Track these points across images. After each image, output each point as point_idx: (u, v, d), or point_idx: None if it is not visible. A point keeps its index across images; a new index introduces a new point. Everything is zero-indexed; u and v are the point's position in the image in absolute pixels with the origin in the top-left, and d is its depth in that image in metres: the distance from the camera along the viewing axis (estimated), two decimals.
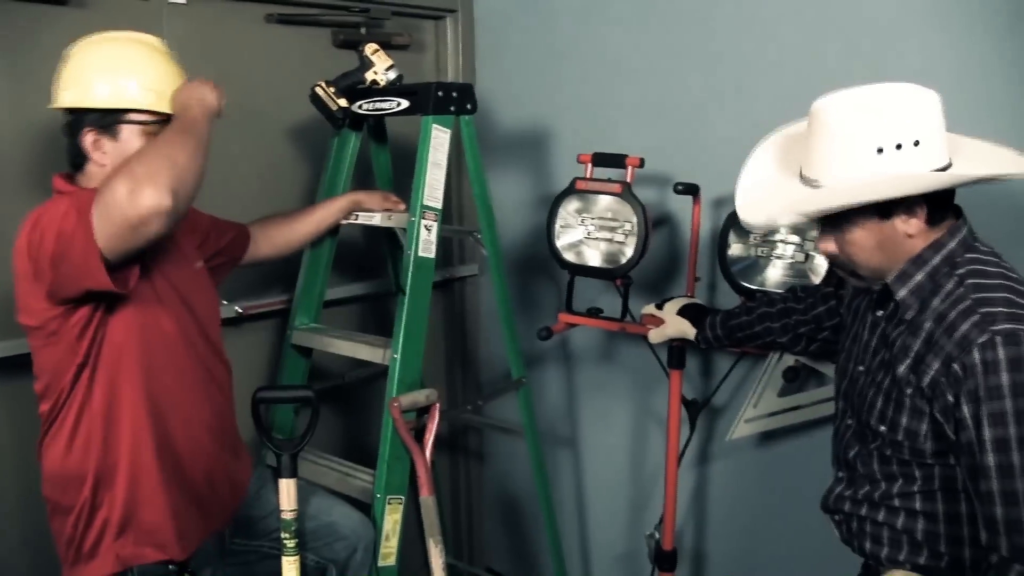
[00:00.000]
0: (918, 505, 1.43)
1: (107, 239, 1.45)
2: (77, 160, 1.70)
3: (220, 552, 1.89)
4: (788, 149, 1.54)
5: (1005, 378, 1.24)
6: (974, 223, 1.45)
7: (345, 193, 2.28)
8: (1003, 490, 1.24)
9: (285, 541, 1.86)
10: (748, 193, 1.54)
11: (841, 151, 1.37)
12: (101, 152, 1.67)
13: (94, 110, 1.64)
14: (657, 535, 2.36)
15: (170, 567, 1.71)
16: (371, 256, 2.67)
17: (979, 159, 1.40)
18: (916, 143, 1.33)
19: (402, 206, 2.22)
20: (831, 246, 1.46)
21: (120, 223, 1.44)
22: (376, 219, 2.22)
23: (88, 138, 1.66)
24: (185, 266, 1.83)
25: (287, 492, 1.86)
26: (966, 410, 1.27)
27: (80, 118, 1.66)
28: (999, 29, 1.88)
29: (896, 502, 1.46)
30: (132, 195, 1.43)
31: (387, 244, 2.52)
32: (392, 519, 2.12)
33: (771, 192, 1.50)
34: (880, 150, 1.34)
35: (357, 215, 2.24)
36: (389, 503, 2.10)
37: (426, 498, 2.13)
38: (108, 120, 1.66)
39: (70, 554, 1.69)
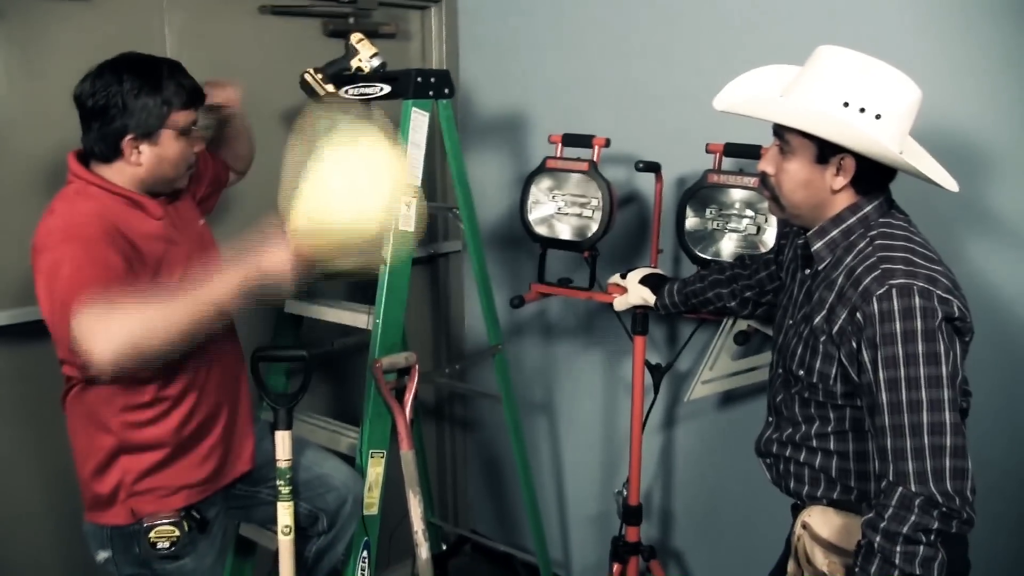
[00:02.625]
0: (832, 445, 1.60)
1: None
2: (107, 154, 1.74)
3: (224, 495, 2.00)
4: (783, 79, 1.67)
5: (897, 326, 1.40)
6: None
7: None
8: (892, 424, 1.40)
9: (280, 488, 2.00)
10: (725, 91, 1.70)
11: (817, 88, 1.51)
12: (138, 153, 1.74)
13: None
14: (624, 492, 2.51)
15: (180, 512, 1.83)
16: None
17: (922, 162, 1.55)
18: (878, 116, 1.47)
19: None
20: (770, 166, 1.60)
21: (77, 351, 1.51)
22: None
23: (128, 142, 1.72)
24: (192, 233, 1.91)
25: (283, 443, 2.00)
26: (866, 355, 1.44)
27: (114, 116, 1.71)
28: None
29: (814, 443, 1.62)
30: (88, 352, 1.47)
31: None
32: (375, 471, 2.29)
33: (745, 93, 1.66)
34: (846, 104, 1.48)
35: None
36: (372, 456, 2.27)
37: (406, 452, 2.31)
38: (151, 125, 1.73)
39: (88, 498, 1.84)
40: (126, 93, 1.71)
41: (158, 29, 2.36)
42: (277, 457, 2.00)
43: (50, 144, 2.15)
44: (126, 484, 1.80)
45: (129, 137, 1.72)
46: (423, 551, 2.32)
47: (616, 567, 2.50)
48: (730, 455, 2.59)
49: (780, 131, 1.56)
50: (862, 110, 1.48)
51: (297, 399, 2.04)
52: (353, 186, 1.57)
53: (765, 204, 2.09)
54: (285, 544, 2.01)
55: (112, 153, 1.74)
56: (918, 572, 1.36)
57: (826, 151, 1.52)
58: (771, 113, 1.55)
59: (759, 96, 1.64)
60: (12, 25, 2.11)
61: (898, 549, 1.36)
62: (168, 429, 1.81)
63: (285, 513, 2.00)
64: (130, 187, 1.77)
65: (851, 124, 1.48)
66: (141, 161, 1.76)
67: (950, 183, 1.58)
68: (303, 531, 2.14)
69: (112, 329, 1.48)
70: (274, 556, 2.07)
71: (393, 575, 3.12)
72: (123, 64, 1.75)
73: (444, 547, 3.16)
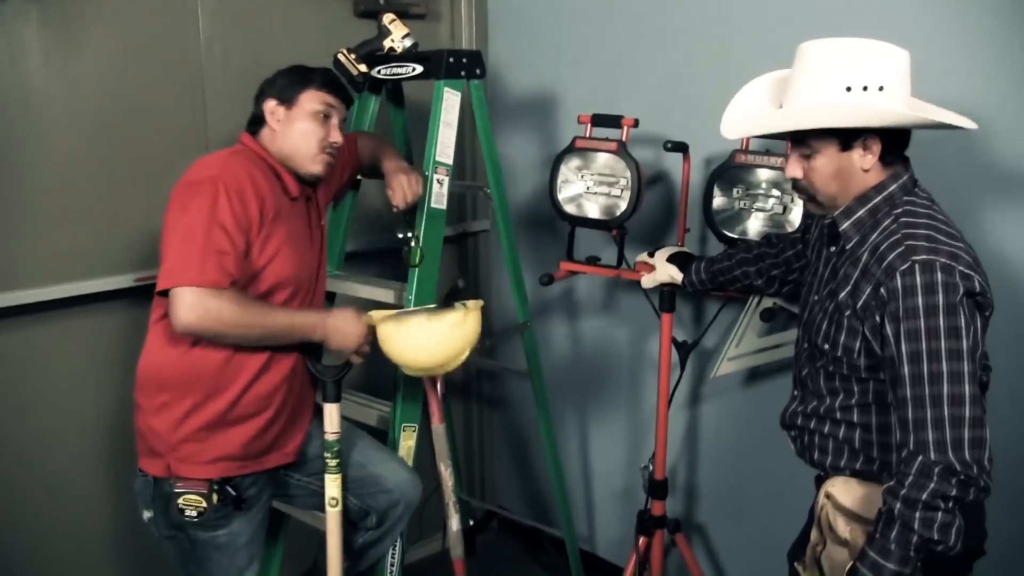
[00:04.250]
0: (855, 417, 1.64)
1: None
2: (256, 123, 2.01)
3: (272, 480, 2.05)
4: (775, 87, 1.73)
5: (920, 300, 1.43)
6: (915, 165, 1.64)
7: (395, 159, 2.32)
8: (913, 395, 1.43)
9: (328, 460, 2.02)
10: (732, 115, 1.75)
11: (815, 84, 1.55)
12: (276, 119, 1.98)
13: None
14: (651, 467, 2.56)
15: (213, 484, 1.88)
16: (389, 212, 2.89)
17: (935, 114, 1.58)
18: (881, 88, 1.51)
19: (417, 191, 2.26)
20: (798, 170, 1.64)
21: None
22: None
23: (270, 105, 1.98)
24: (311, 230, 2.07)
25: (331, 416, 2.02)
26: (888, 328, 1.47)
27: (264, 89, 2.00)
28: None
29: (838, 415, 1.66)
30: (182, 311, 1.73)
31: None
32: (406, 445, 2.35)
33: (751, 116, 1.71)
34: (849, 88, 1.52)
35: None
36: (404, 430, 2.33)
37: (437, 426, 2.37)
38: (290, 93, 1.98)
39: (141, 446, 1.93)
40: (281, 76, 2.02)
41: (192, 10, 2.43)
42: (325, 430, 2.02)
43: (86, 124, 2.25)
44: (172, 439, 1.86)
45: (272, 102, 1.98)
46: (454, 523, 2.38)
47: (642, 540, 2.55)
48: (754, 432, 2.63)
49: (798, 136, 1.60)
50: (865, 88, 1.52)
51: (345, 371, 2.05)
52: (434, 343, 2.03)
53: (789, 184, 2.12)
54: (332, 516, 2.04)
55: (258, 116, 2.00)
56: (936, 537, 1.39)
57: (848, 137, 1.55)
58: (785, 124, 1.59)
59: (764, 111, 1.68)
60: (49, 5, 2.17)
61: (917, 515, 1.40)
62: (236, 384, 1.89)
63: (332, 485, 2.03)
64: (276, 158, 1.99)
65: (862, 104, 1.51)
66: (277, 126, 1.98)
67: (967, 123, 1.60)
68: (353, 524, 2.19)
69: (207, 307, 1.74)
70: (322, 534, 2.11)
71: (423, 548, 3.20)
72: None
73: (471, 523, 3.22)
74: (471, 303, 2.12)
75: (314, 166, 2.00)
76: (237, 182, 1.83)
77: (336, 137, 2.02)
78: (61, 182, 2.25)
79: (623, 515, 3.04)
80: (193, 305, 1.72)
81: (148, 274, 2.32)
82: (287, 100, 1.98)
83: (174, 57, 2.42)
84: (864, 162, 1.57)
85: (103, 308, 2.37)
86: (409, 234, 2.27)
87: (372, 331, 2.01)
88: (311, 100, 1.98)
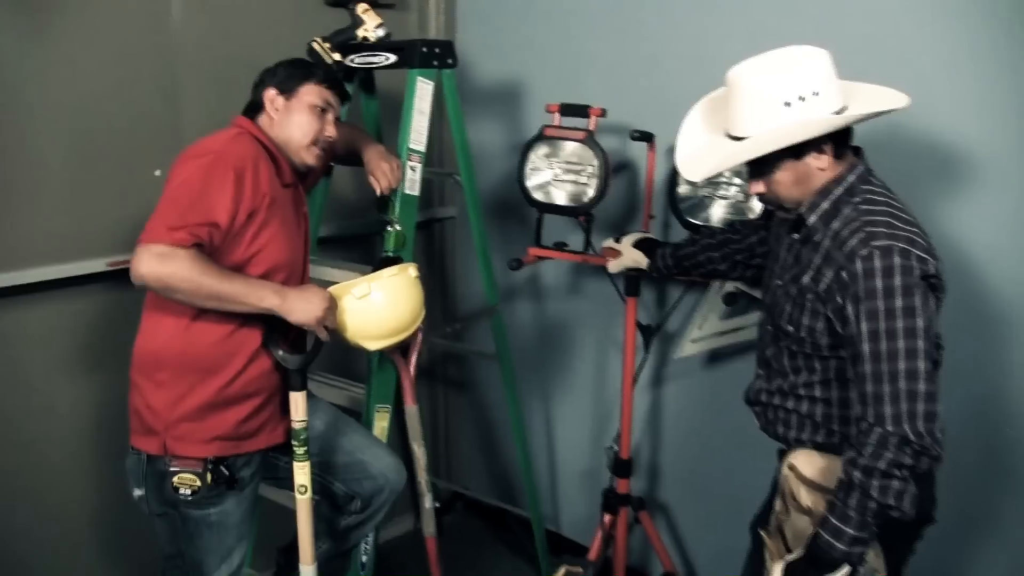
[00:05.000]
0: (818, 393, 1.74)
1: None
2: (254, 109, 2.05)
3: (263, 462, 2.08)
4: (714, 112, 1.81)
5: (879, 283, 1.53)
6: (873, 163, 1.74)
7: (375, 146, 2.35)
8: (872, 371, 1.53)
9: (295, 448, 1.99)
10: (686, 153, 1.82)
11: (757, 108, 1.64)
12: (275, 108, 2.02)
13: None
14: (615, 447, 2.65)
15: (207, 463, 1.92)
16: (360, 199, 2.94)
17: (868, 100, 1.67)
18: (815, 93, 1.60)
19: (399, 177, 2.34)
20: (760, 187, 1.74)
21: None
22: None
23: (270, 94, 2.02)
24: (297, 215, 2.08)
25: (296, 404, 1.98)
26: (850, 309, 1.57)
27: (265, 78, 2.05)
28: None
29: (801, 391, 1.76)
30: (140, 261, 1.73)
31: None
32: (380, 426, 2.40)
33: (705, 151, 1.78)
34: (787, 103, 1.61)
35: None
36: (378, 411, 2.39)
37: (410, 407, 2.43)
38: (291, 84, 2.02)
39: (136, 424, 1.95)
40: (283, 67, 2.06)
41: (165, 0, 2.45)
42: (292, 418, 2.00)
43: (73, 110, 2.27)
44: (170, 417, 1.89)
45: (272, 91, 2.02)
46: (427, 501, 2.45)
47: (607, 518, 2.64)
48: (716, 412, 2.72)
49: (753, 162, 1.69)
50: (802, 98, 1.61)
51: (309, 360, 2.01)
52: (395, 309, 2.12)
53: None
54: (302, 503, 2.03)
55: (258, 103, 2.04)
56: (892, 503, 1.50)
57: (800, 149, 1.65)
58: (744, 156, 1.68)
59: (717, 144, 1.75)
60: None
61: (875, 483, 1.50)
62: (232, 363, 1.93)
63: (300, 473, 2.01)
64: (273, 144, 2.02)
65: (807, 119, 1.61)
66: (275, 115, 2.02)
67: (900, 102, 1.69)
68: (340, 507, 2.24)
69: (168, 262, 1.73)
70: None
71: (395, 527, 3.27)
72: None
73: (437, 504, 3.27)
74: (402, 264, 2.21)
75: (308, 157, 2.04)
76: (240, 161, 1.87)
77: (331, 132, 2.06)
78: (37, 169, 2.26)
79: (587, 495, 3.12)
80: (148, 259, 1.72)
81: (122, 258, 2.33)
82: (287, 91, 2.02)
83: (148, 45, 2.43)
84: (820, 163, 1.67)
85: (78, 292, 2.39)
86: (391, 220, 2.32)
87: (335, 306, 1.99)
88: (310, 94, 2.03)
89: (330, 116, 2.06)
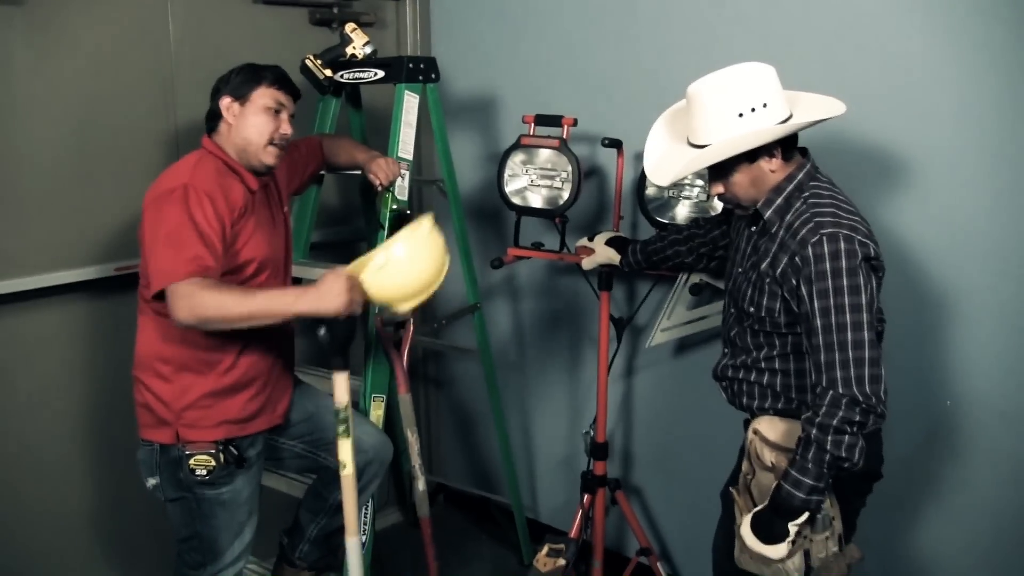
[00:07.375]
0: (777, 366, 1.96)
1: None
2: (213, 121, 2.16)
3: (265, 444, 2.27)
4: (676, 122, 2.03)
5: (827, 265, 1.75)
6: (819, 161, 1.97)
7: (371, 152, 2.54)
8: (824, 342, 1.75)
9: (338, 427, 2.09)
10: (652, 160, 2.04)
11: (714, 119, 1.86)
12: (231, 114, 2.14)
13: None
14: (592, 432, 2.84)
15: (219, 444, 2.10)
16: (346, 206, 3.11)
17: (810, 108, 1.91)
18: (764, 105, 1.83)
19: (396, 171, 2.52)
20: (720, 188, 1.96)
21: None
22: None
23: (225, 102, 2.14)
24: (275, 215, 2.25)
25: (339, 385, 2.08)
26: (803, 290, 1.79)
27: (220, 86, 2.15)
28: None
29: (762, 365, 1.98)
30: (176, 308, 1.90)
31: (362, 196, 2.97)
32: (376, 414, 2.58)
33: (670, 158, 1.99)
34: (741, 115, 1.83)
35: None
36: (373, 400, 2.56)
37: (403, 396, 2.60)
38: (244, 90, 2.13)
39: (146, 418, 2.12)
40: (235, 74, 2.17)
41: (162, 17, 2.62)
42: (335, 399, 2.11)
43: (68, 122, 2.43)
44: (176, 407, 2.07)
45: (227, 99, 2.13)
46: (420, 484, 2.62)
47: (587, 498, 2.84)
48: (684, 397, 2.92)
49: (713, 166, 1.90)
50: (753, 110, 1.83)
51: (349, 342, 2.10)
52: (418, 263, 2.10)
53: None
54: (346, 478, 2.11)
55: (215, 111, 2.15)
56: (844, 455, 1.71)
57: (753, 154, 1.87)
58: (705, 161, 1.88)
59: (679, 151, 1.96)
60: (32, 11, 2.35)
61: (830, 438, 1.71)
62: (229, 353, 2.10)
63: (344, 450, 2.10)
64: (232, 155, 2.12)
65: (756, 126, 1.83)
66: (232, 120, 2.13)
67: (837, 110, 1.90)
68: (333, 482, 2.35)
69: (196, 301, 1.89)
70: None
71: (382, 519, 3.42)
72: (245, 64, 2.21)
73: None
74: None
75: (266, 157, 2.16)
76: (207, 186, 2.02)
77: (286, 129, 2.20)
78: (39, 176, 2.42)
79: (564, 484, 3.31)
80: (182, 302, 1.89)
81: (126, 263, 2.51)
82: (241, 96, 2.14)
83: (147, 58, 2.61)
84: (771, 165, 1.89)
85: (77, 298, 2.54)
86: (383, 221, 2.51)
87: (358, 284, 2.03)
88: (263, 96, 2.14)
89: (284, 115, 2.19)
